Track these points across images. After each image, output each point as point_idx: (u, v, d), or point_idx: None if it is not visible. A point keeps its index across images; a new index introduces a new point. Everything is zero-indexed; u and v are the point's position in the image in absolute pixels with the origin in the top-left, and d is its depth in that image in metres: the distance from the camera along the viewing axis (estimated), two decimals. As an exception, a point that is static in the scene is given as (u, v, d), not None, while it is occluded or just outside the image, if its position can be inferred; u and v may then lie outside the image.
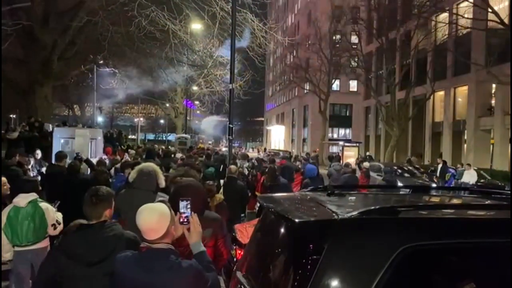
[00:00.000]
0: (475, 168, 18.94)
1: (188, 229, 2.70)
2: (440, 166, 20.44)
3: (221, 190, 7.52)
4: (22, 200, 4.82)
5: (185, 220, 2.69)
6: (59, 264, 2.93)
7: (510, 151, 22.61)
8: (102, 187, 3.20)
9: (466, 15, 24.54)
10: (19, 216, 4.74)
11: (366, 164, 13.38)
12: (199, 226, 2.73)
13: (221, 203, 6.00)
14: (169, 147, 25.76)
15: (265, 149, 40.24)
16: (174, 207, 2.70)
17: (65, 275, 2.92)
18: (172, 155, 13.94)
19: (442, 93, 31.02)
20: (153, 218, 2.50)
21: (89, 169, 9.33)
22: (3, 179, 5.37)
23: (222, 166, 11.44)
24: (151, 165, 4.90)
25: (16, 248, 4.80)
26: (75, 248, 2.90)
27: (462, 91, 29.41)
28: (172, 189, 3.59)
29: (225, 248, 3.47)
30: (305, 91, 50.37)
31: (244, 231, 5.44)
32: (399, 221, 2.25)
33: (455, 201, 3.47)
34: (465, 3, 25.30)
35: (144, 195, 4.30)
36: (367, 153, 35.23)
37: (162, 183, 4.77)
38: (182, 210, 2.70)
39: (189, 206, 2.71)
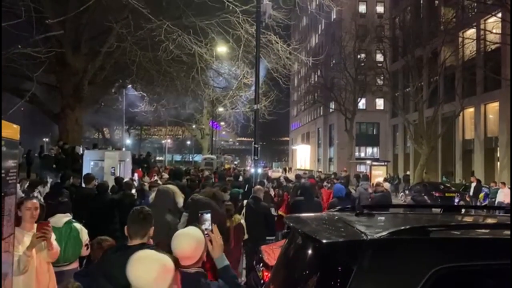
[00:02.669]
0: (510, 187, 18.29)
1: (210, 241, 2.67)
2: (473, 184, 19.83)
3: (243, 210, 7.42)
4: (59, 220, 4.85)
5: (206, 232, 2.68)
6: (97, 285, 2.94)
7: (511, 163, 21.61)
8: (144, 207, 3.25)
9: (494, 30, 24.12)
10: (57, 236, 4.70)
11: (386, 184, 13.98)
12: (220, 239, 2.71)
13: (239, 224, 5.96)
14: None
15: (290, 168, 39.63)
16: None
17: None
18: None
19: (471, 109, 30.33)
20: (191, 246, 2.50)
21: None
22: (36, 202, 5.43)
23: (247, 186, 11.40)
24: (169, 186, 5.39)
25: None
26: (111, 269, 2.90)
27: (493, 107, 28.67)
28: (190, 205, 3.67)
29: None
30: (330, 110, 50.15)
31: (271, 253, 5.37)
32: (431, 241, 2.18)
33: (489, 220, 3.35)
34: (493, 18, 24.91)
35: (157, 212, 4.46)
36: (404, 175, 34.21)
37: (180, 202, 5.17)
38: (202, 223, 2.71)
39: (209, 218, 2.72)
